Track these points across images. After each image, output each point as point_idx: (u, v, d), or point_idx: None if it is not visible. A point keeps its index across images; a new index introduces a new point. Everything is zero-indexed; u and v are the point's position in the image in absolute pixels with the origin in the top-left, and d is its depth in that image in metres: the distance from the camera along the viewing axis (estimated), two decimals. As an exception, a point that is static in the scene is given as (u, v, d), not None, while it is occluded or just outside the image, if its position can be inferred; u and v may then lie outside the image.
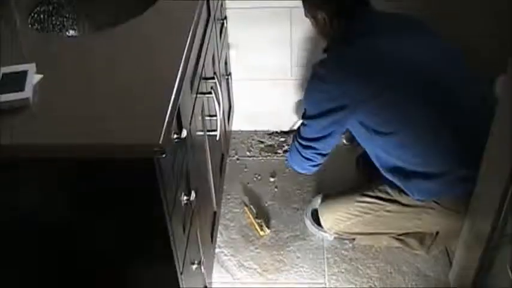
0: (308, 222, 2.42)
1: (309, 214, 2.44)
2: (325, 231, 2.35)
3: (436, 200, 2.07)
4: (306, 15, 2.21)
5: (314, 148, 2.16)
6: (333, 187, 2.51)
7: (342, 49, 2.08)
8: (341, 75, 2.01)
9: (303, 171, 2.33)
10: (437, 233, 2.24)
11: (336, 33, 2.12)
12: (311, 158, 2.20)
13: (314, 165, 2.24)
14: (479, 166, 1.84)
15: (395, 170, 2.07)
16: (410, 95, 1.97)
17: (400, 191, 2.11)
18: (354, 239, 2.34)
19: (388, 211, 2.16)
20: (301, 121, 2.19)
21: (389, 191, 2.14)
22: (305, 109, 2.15)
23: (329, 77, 2.04)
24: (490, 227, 1.74)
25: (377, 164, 2.14)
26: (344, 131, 2.17)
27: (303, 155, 2.20)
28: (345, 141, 2.44)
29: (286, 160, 2.38)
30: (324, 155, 2.20)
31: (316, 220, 2.37)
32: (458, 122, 1.98)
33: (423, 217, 2.13)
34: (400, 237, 2.29)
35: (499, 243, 1.74)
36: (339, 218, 2.26)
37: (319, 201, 2.42)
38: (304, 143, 2.17)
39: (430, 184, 2.03)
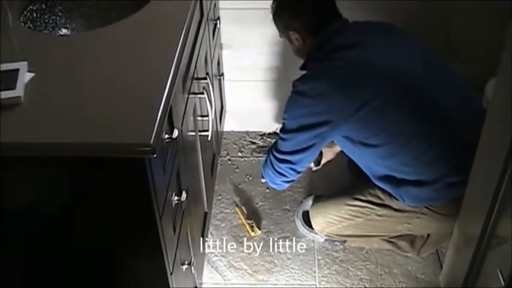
0: (299, 223, 2.43)
1: (300, 216, 2.44)
2: (316, 233, 2.35)
3: (427, 205, 2.07)
4: (281, 37, 2.22)
5: (290, 162, 2.13)
6: (324, 189, 2.52)
7: (321, 65, 2.05)
8: (323, 91, 1.97)
9: (273, 186, 2.30)
10: (428, 235, 2.24)
11: (311, 50, 2.11)
12: (284, 173, 2.17)
13: (286, 181, 2.22)
14: (469, 171, 1.84)
15: (385, 178, 2.07)
16: (396, 103, 1.94)
17: (391, 196, 2.10)
18: (345, 241, 2.34)
19: (379, 215, 2.15)
20: (279, 134, 2.15)
21: (381, 195, 2.14)
22: (283, 123, 2.11)
23: (310, 93, 1.99)
24: (480, 230, 1.74)
25: (367, 173, 2.13)
26: (324, 145, 2.16)
27: (277, 169, 2.18)
28: (313, 165, 2.42)
29: (261, 173, 2.33)
30: (297, 172, 2.18)
31: (307, 222, 2.38)
32: (447, 127, 1.98)
33: (414, 221, 2.13)
34: (391, 239, 2.29)
35: (489, 246, 1.74)
36: (330, 220, 2.26)
37: (310, 202, 2.43)
38: (280, 156, 2.14)
39: (420, 191, 2.02)
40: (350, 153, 2.14)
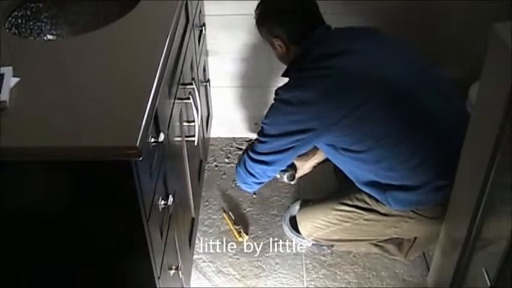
0: (286, 228, 2.43)
1: (287, 220, 2.45)
2: (303, 238, 2.36)
3: (414, 209, 2.07)
4: (265, 43, 2.22)
5: (264, 163, 2.12)
6: (311, 194, 2.52)
7: (304, 74, 2.04)
8: (307, 100, 1.96)
9: (242, 186, 2.28)
10: (415, 238, 2.25)
11: (295, 58, 2.11)
12: (255, 174, 2.16)
13: (256, 183, 2.21)
14: (454, 173, 1.85)
15: (371, 184, 2.07)
16: (381, 109, 1.93)
17: (378, 201, 2.10)
18: (332, 245, 2.35)
19: (366, 220, 2.16)
20: (256, 137, 2.15)
21: (367, 200, 2.14)
22: (262, 127, 2.10)
23: (294, 102, 1.98)
24: (466, 233, 1.76)
25: (352, 179, 2.14)
26: (303, 151, 2.14)
27: (249, 169, 2.16)
28: (286, 180, 2.42)
29: (235, 172, 2.31)
30: (268, 176, 2.17)
31: (295, 226, 2.38)
32: (432, 131, 1.98)
33: (401, 225, 2.13)
34: (379, 243, 2.30)
35: (475, 248, 1.75)
36: (317, 225, 2.26)
37: (297, 207, 2.44)
38: (255, 156, 2.13)
39: (407, 195, 2.02)
40: (334, 159, 2.14)
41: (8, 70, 1.45)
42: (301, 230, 2.33)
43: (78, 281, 1.57)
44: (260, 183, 2.21)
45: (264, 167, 2.13)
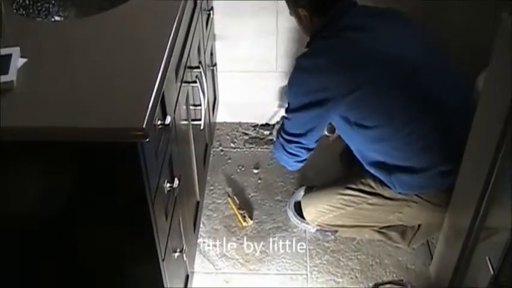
0: (291, 213, 2.44)
1: (292, 206, 2.45)
2: (307, 223, 2.36)
3: (418, 193, 2.08)
4: (291, 14, 2.23)
5: (298, 142, 2.16)
6: (316, 180, 2.52)
7: (323, 43, 2.08)
8: (322, 68, 2.01)
9: (289, 168, 2.32)
10: (419, 226, 2.26)
11: (317, 29, 2.13)
12: (296, 153, 2.19)
13: (299, 161, 2.24)
14: (460, 161, 1.85)
15: (377, 164, 2.08)
16: (392, 88, 1.97)
17: (383, 184, 2.12)
18: (336, 231, 2.35)
19: (370, 204, 2.17)
20: (284, 115, 2.19)
21: (372, 184, 2.15)
22: (288, 103, 2.15)
23: (309, 69, 2.04)
24: (470, 221, 1.76)
25: (359, 158, 2.15)
26: (326, 124, 2.18)
27: (288, 150, 2.19)
28: (326, 132, 2.44)
29: (273, 155, 2.37)
30: (309, 149, 2.19)
31: (299, 212, 2.39)
32: (440, 116, 1.99)
33: (405, 210, 2.14)
34: (382, 230, 2.31)
35: (479, 237, 1.75)
36: (321, 210, 2.27)
37: (302, 193, 2.44)
38: (288, 137, 2.17)
39: (412, 178, 2.03)
40: (345, 136, 2.16)
41: (15, 50, 1.45)
42: (306, 215, 2.34)
43: (83, 262, 1.58)
44: (304, 159, 2.24)
45: (299, 144, 2.16)
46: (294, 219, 2.42)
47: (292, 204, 2.46)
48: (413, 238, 2.28)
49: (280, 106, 2.62)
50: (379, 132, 2.00)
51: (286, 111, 2.16)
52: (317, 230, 2.37)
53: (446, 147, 1.99)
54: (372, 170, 2.12)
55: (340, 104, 1.99)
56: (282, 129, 2.20)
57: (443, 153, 1.99)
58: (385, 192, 2.12)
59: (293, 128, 2.14)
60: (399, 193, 2.09)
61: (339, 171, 2.52)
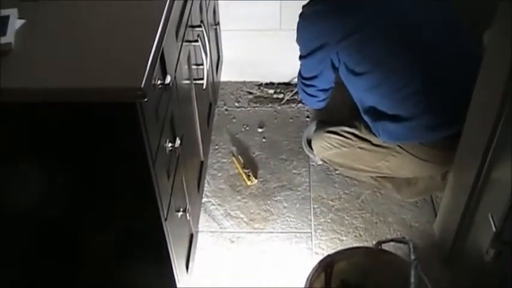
0: (303, 143, 2.55)
1: (305, 138, 2.55)
2: (314, 155, 2.45)
3: (400, 144, 2.14)
4: None
5: (313, 85, 2.25)
6: (326, 116, 2.53)
7: None
8: (320, 13, 2.08)
9: (313, 107, 2.45)
10: (415, 182, 2.30)
11: None
12: (314, 94, 2.29)
13: (320, 101, 2.33)
14: (446, 115, 1.95)
15: (369, 111, 2.14)
16: (382, 34, 2.01)
17: (371, 131, 2.19)
18: (336, 170, 2.45)
19: (360, 148, 2.26)
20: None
21: (363, 129, 2.23)
22: (300, 49, 2.22)
23: (309, 16, 2.11)
24: (474, 176, 1.76)
25: (357, 104, 2.20)
26: (332, 68, 2.19)
27: (307, 92, 2.30)
28: None
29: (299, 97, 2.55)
30: (325, 90, 2.27)
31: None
32: (432, 67, 2.02)
33: (390, 159, 2.21)
34: (378, 178, 2.37)
35: (483, 191, 1.75)
36: (322, 146, 2.36)
37: (313, 127, 2.53)
38: (304, 81, 2.27)
39: (395, 127, 2.09)
40: (346, 83, 2.19)
41: (13, 12, 1.44)
42: (313, 146, 2.43)
43: (83, 222, 1.59)
44: (325, 98, 2.31)
45: (314, 87, 2.26)
46: (305, 148, 2.53)
47: (305, 136, 2.57)
48: (409, 192, 2.32)
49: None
50: (369, 78, 2.06)
51: (300, 57, 2.23)
52: (320, 163, 2.47)
53: (433, 98, 2.02)
54: (364, 117, 2.18)
55: (337, 48, 2.05)
56: (299, 74, 2.31)
57: (430, 103, 2.03)
58: (373, 139, 2.20)
59: (306, 72, 2.24)
60: (383, 141, 2.17)
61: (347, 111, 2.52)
